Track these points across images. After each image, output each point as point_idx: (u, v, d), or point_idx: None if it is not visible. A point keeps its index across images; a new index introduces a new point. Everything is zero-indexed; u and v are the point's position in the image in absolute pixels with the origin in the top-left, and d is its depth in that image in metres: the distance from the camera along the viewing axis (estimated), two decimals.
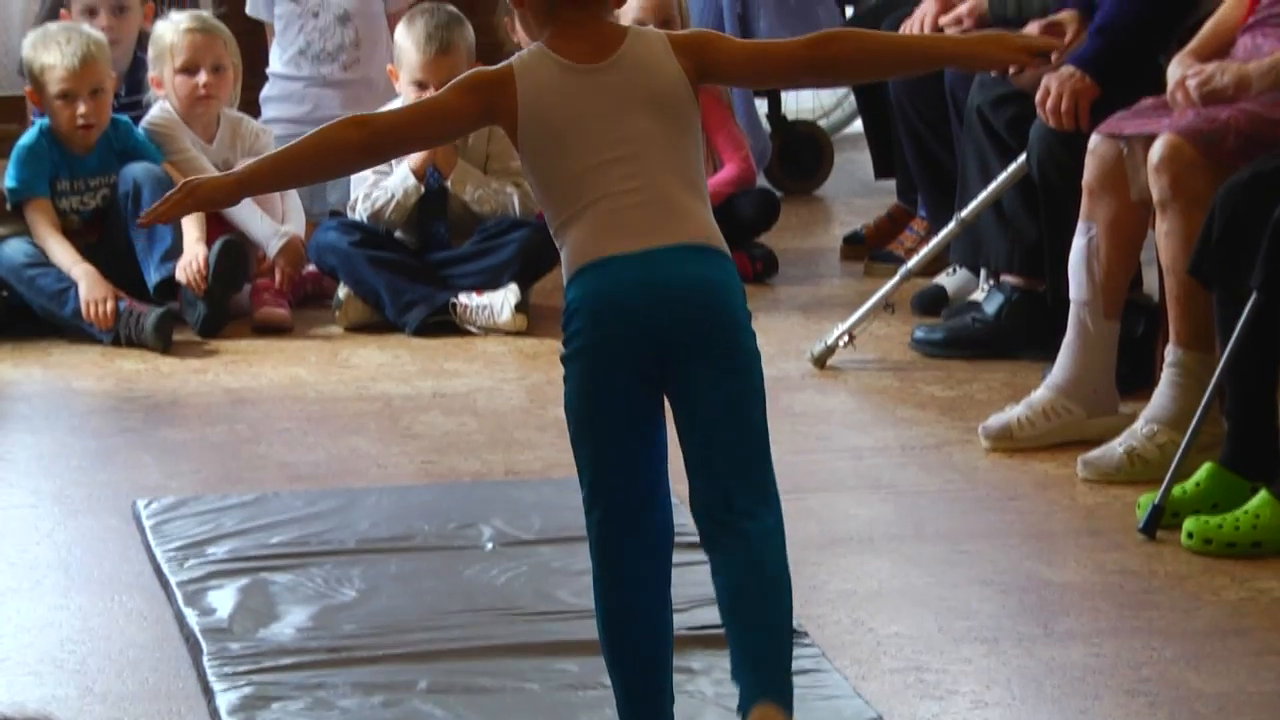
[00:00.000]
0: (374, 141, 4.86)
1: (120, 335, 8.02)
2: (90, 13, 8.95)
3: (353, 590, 5.89)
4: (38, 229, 8.26)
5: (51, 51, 8.37)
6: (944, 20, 8.15)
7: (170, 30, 8.67)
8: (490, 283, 8.22)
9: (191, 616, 5.73)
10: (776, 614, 4.72)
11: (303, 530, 6.30)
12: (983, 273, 8.17)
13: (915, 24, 8.27)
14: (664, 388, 4.64)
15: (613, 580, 4.71)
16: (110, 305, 8.01)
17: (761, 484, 4.67)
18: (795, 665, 5.25)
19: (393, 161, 8.40)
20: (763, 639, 4.73)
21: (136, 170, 8.31)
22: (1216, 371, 6.44)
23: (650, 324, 4.58)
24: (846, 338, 7.88)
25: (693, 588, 5.43)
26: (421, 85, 8.40)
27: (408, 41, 8.50)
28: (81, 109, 8.32)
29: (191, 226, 8.18)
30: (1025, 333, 7.75)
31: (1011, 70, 7.59)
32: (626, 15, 8.67)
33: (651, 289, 4.60)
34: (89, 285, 8.05)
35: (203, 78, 8.58)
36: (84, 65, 8.31)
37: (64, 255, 8.21)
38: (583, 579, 5.32)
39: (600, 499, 4.66)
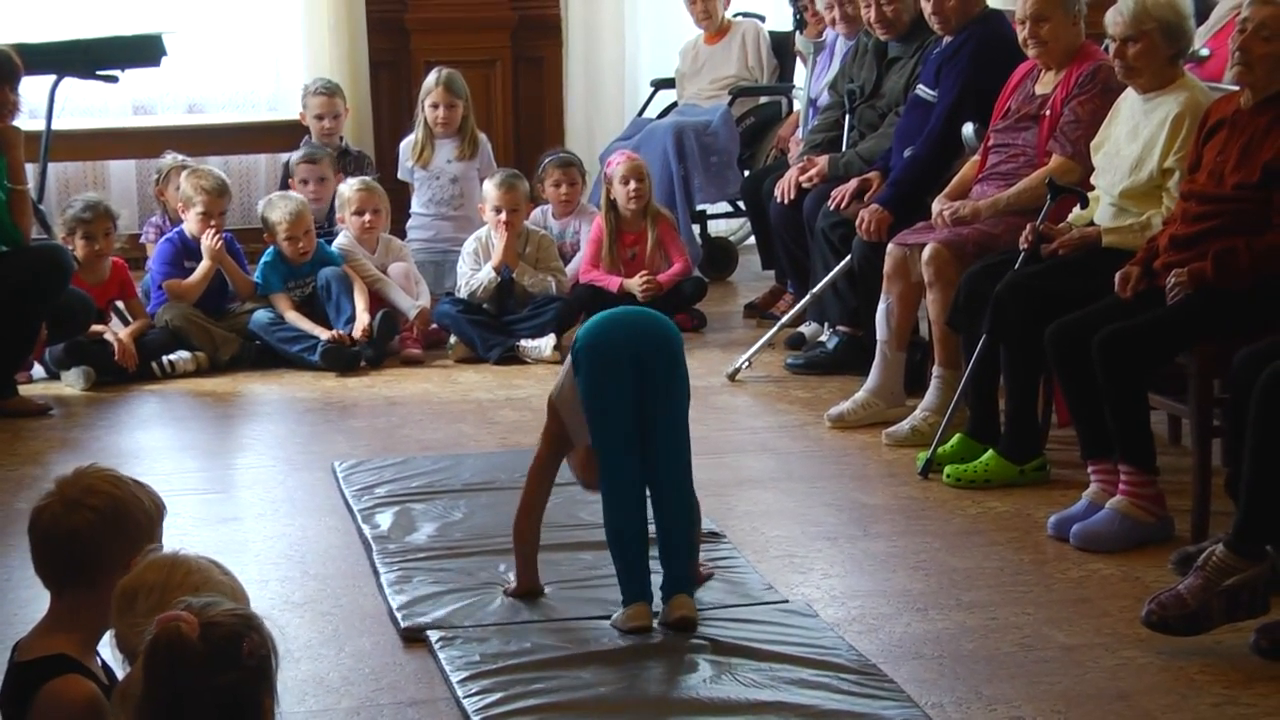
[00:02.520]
0: None
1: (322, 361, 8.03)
2: (305, 183, 8.95)
3: (460, 513, 5.88)
4: (280, 307, 8.22)
5: (277, 211, 8.37)
6: (801, 179, 8.14)
7: (348, 189, 8.64)
8: (539, 333, 8.20)
9: (366, 529, 5.75)
10: (688, 527, 4.88)
11: (430, 479, 6.27)
12: (825, 325, 8.16)
13: (783, 183, 8.26)
14: (640, 392, 4.75)
15: (615, 504, 4.78)
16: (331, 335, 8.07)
17: (688, 459, 4.90)
18: (717, 555, 5.36)
19: (484, 262, 8.42)
20: (679, 544, 4.82)
21: (327, 271, 8.28)
22: (962, 381, 6.46)
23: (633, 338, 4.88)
24: (747, 363, 7.85)
25: None
26: (498, 210, 8.38)
27: (490, 186, 8.47)
28: (300, 246, 8.33)
29: (361, 304, 8.18)
30: (851, 360, 7.71)
31: (844, 205, 7.65)
32: (616, 173, 8.68)
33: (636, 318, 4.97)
34: (322, 334, 8.07)
35: (367, 218, 8.55)
36: (297, 220, 8.31)
37: (301, 322, 8.18)
38: (594, 506, 5.32)
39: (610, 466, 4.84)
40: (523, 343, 8.21)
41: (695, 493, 5.02)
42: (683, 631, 4.79)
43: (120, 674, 3.14)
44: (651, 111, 10.39)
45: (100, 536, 3.30)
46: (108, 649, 3.33)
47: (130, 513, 3.35)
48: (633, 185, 8.62)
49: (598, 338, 4.93)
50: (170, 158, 8.96)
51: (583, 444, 5.00)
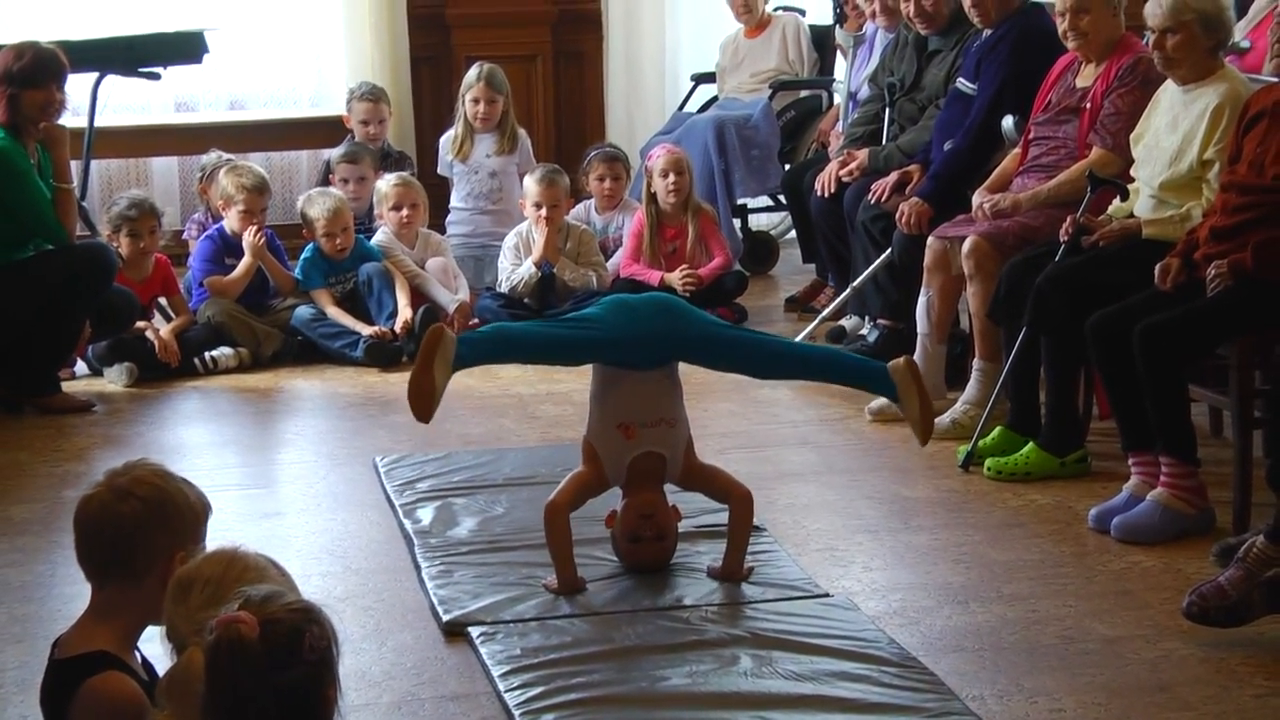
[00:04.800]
0: None
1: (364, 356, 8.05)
2: (345, 182, 8.96)
3: (501, 508, 5.89)
4: (321, 303, 8.26)
5: (316, 208, 8.41)
6: (841, 173, 8.14)
7: (385, 185, 8.67)
8: None
9: (407, 524, 5.77)
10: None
11: (471, 473, 6.28)
12: (866, 318, 8.14)
13: (824, 176, 8.25)
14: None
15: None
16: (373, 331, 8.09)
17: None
18: (757, 549, 5.33)
19: (524, 257, 8.44)
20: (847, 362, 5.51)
21: (369, 267, 8.31)
22: (1002, 374, 6.46)
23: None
24: None
25: (701, 502, 5.47)
26: (538, 205, 8.41)
27: (530, 181, 8.51)
28: (338, 242, 8.35)
29: (403, 299, 8.21)
30: (891, 353, 7.63)
31: (884, 198, 7.65)
32: (656, 166, 8.69)
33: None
34: (364, 330, 8.10)
35: (404, 213, 8.57)
36: (335, 216, 8.35)
37: (343, 318, 8.20)
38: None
39: None
40: None
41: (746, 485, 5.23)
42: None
43: (161, 669, 3.16)
44: (692, 106, 10.39)
45: (145, 527, 3.33)
46: (149, 644, 3.36)
47: (176, 507, 3.38)
48: (672, 178, 8.63)
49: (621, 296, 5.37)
50: (214, 155, 8.99)
51: (618, 480, 5.16)
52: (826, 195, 8.23)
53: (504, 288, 8.44)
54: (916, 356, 7.02)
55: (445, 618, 4.93)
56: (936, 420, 6.66)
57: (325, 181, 9.10)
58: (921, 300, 7.02)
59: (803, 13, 10.29)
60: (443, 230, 9.15)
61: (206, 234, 8.47)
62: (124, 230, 8.04)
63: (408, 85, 10.47)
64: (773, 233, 10.49)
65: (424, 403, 4.90)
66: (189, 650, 2.92)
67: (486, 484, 6.16)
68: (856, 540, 5.62)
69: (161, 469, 3.46)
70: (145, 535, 3.33)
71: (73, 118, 8.09)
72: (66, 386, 7.57)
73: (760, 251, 10.14)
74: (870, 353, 7.82)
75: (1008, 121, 7.10)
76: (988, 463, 6.25)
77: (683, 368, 5.23)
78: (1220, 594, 4.62)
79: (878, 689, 4.40)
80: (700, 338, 5.13)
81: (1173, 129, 5.99)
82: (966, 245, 6.66)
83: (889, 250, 7.54)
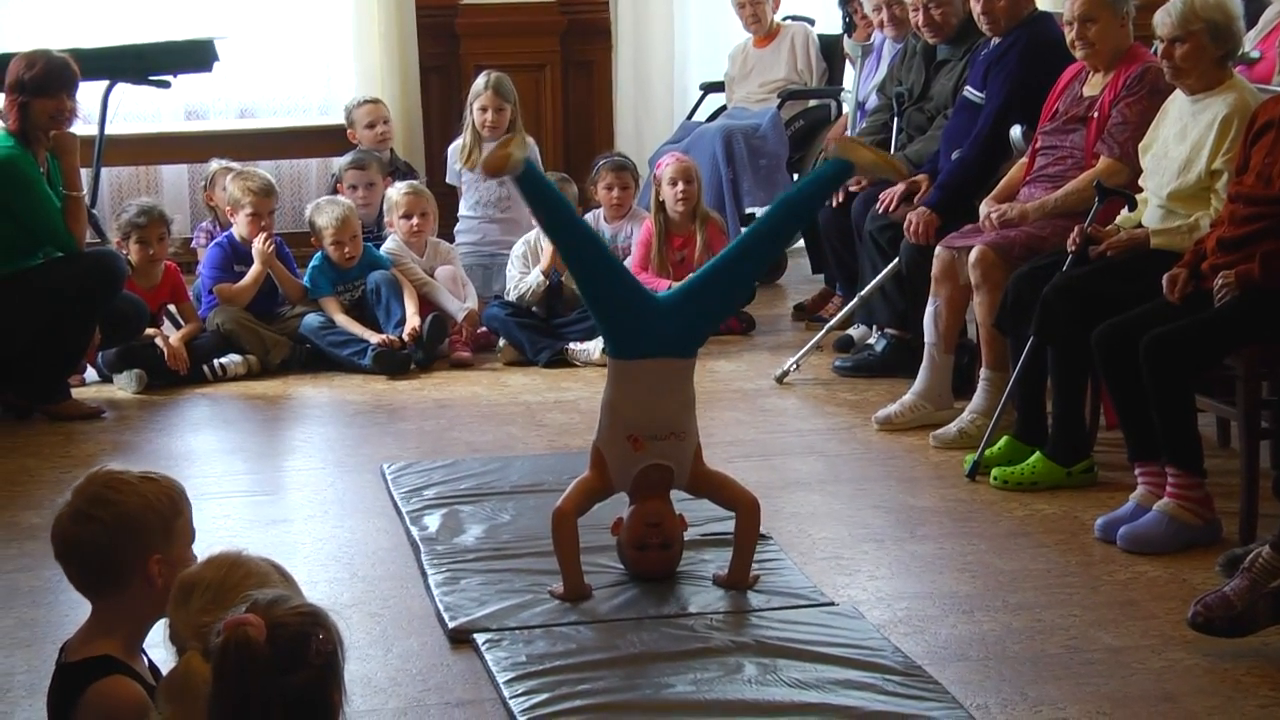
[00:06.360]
0: None
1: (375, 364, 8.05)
2: (354, 188, 8.97)
3: (508, 515, 5.89)
4: (330, 311, 8.27)
5: (324, 216, 8.41)
6: (849, 182, 8.11)
7: (396, 193, 8.69)
8: (588, 336, 8.20)
9: (414, 531, 5.76)
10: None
11: (478, 481, 6.28)
12: (873, 327, 8.15)
13: None
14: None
15: None
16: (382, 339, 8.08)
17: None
18: (763, 557, 5.34)
19: (532, 265, 8.44)
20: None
21: (377, 275, 8.32)
22: (1009, 383, 6.46)
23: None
24: (795, 366, 7.86)
25: (708, 510, 5.47)
26: None
27: None
28: (346, 250, 8.36)
29: (411, 307, 8.21)
30: (899, 362, 7.71)
31: (892, 208, 7.65)
32: (665, 174, 8.69)
33: None
34: (373, 338, 8.10)
35: (415, 221, 8.59)
36: (343, 224, 8.35)
37: (351, 325, 8.21)
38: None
39: None
40: (571, 346, 8.23)
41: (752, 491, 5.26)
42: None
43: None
44: (700, 115, 10.41)
45: (110, 544, 3.33)
46: (157, 649, 3.36)
47: (138, 516, 3.35)
48: (681, 187, 8.63)
49: None
50: (216, 163, 9.02)
51: (624, 488, 5.17)
52: (834, 204, 8.23)
53: (512, 296, 8.44)
54: (924, 366, 7.04)
55: (451, 624, 4.93)
56: (943, 430, 6.73)
57: (334, 192, 9.10)
58: (929, 310, 7.02)
59: (811, 22, 10.32)
60: (451, 239, 9.15)
61: (215, 241, 8.48)
62: (133, 238, 8.06)
63: (417, 94, 10.48)
64: None
65: (498, 164, 5.03)
66: (187, 654, 2.93)
67: (493, 491, 6.16)
68: (862, 549, 5.62)
69: (116, 478, 3.41)
70: (115, 551, 3.33)
71: (83, 125, 8.10)
72: (76, 393, 7.58)
73: None
74: (878, 362, 7.86)
75: (1016, 131, 7.10)
76: (994, 472, 6.25)
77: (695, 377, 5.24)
78: (1226, 604, 4.62)
79: (882, 697, 4.40)
80: (698, 278, 5.30)
81: (1181, 139, 5.99)
82: (973, 255, 6.67)
83: (896, 260, 7.54)
